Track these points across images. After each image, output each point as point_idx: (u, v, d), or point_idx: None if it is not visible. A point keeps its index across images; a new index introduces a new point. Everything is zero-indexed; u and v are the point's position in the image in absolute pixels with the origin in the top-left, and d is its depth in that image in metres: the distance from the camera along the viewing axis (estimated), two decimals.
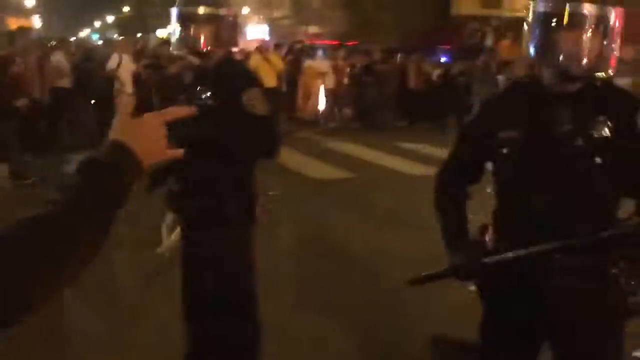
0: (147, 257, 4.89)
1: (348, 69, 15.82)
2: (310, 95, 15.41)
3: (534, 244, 2.04)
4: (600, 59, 1.96)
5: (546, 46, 2.00)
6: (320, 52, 16.66)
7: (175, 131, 3.35)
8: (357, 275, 5.50)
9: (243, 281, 3.17)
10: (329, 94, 15.60)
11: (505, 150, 2.13)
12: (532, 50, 2.05)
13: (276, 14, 32.40)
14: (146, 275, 5.15)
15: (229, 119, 2.90)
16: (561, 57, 1.97)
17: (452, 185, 2.40)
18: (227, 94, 2.95)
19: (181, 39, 3.03)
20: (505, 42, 15.01)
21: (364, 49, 17.48)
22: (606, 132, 2.01)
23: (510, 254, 2.10)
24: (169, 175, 3.16)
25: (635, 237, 2.02)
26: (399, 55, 16.90)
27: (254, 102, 2.93)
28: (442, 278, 2.29)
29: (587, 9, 1.93)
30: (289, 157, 9.66)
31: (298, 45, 17.44)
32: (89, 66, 12.42)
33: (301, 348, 4.06)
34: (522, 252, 2.07)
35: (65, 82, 11.27)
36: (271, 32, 30.50)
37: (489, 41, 18.68)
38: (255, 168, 3.14)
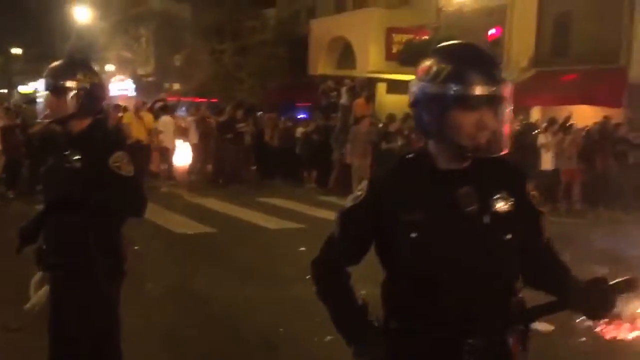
0: (13, 313, 4.71)
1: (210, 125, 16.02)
2: (172, 151, 15.46)
3: (442, 325, 1.98)
4: (499, 137, 1.97)
5: (444, 125, 1.94)
6: (183, 108, 16.81)
7: (45, 191, 3.36)
8: (219, 326, 5.55)
9: (110, 336, 3.24)
10: (192, 149, 15.73)
11: (414, 235, 1.99)
12: (425, 128, 2.01)
13: (140, 71, 32.29)
14: (10, 331, 5.03)
15: (96, 180, 3.04)
16: (461, 137, 1.93)
17: (337, 271, 2.23)
18: (94, 156, 3.09)
19: (47, 108, 3.22)
20: (360, 101, 15.74)
21: (224, 105, 17.74)
22: (508, 206, 2.01)
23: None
24: (38, 234, 3.21)
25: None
26: (258, 113, 17.33)
27: (120, 164, 3.08)
28: None
29: (489, 89, 1.90)
30: (153, 211, 9.54)
31: (160, 103, 17.45)
32: None
33: None
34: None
35: None
36: (136, 89, 30.31)
37: (343, 100, 19.48)
38: (122, 226, 3.24)
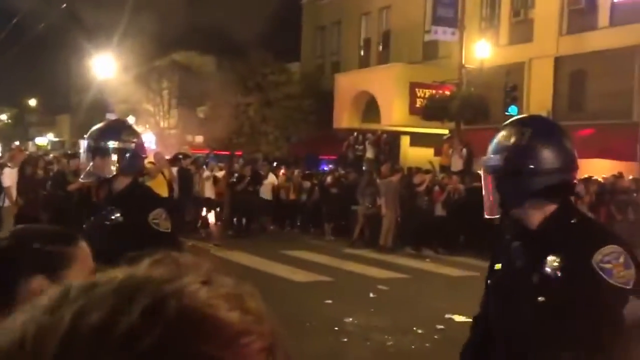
0: None
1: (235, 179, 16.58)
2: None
3: None
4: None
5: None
6: (211, 162, 17.31)
7: (91, 246, 3.57)
8: None
9: None
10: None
11: (489, 281, 2.25)
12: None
13: (162, 124, 32.78)
14: None
15: (136, 235, 3.20)
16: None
17: (480, 319, 2.35)
18: (135, 213, 3.31)
19: (91, 169, 3.42)
20: (385, 167, 16.07)
21: (251, 158, 18.26)
22: (558, 270, 1.99)
23: None
24: None
25: None
26: (283, 167, 17.86)
27: (159, 221, 3.30)
28: None
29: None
30: None
31: (188, 157, 17.93)
32: None
33: None
34: None
35: None
36: (157, 141, 30.70)
37: (369, 153, 19.96)
38: None
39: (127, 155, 3.39)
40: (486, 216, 2.23)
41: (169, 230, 3.34)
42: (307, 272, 11.06)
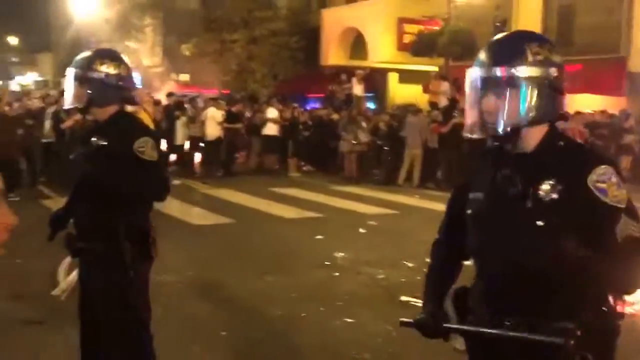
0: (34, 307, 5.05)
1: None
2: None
3: (484, 303, 2.12)
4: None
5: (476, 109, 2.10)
6: (198, 101, 17.10)
7: (73, 176, 3.51)
8: (242, 313, 5.89)
9: (141, 320, 3.41)
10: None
11: (469, 211, 2.18)
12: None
13: (146, 61, 32.29)
14: (31, 324, 5.26)
15: (120, 160, 3.25)
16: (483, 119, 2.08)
17: (441, 244, 2.40)
18: (119, 140, 3.30)
19: (75, 97, 3.43)
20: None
21: (236, 97, 18.10)
22: (555, 194, 1.99)
23: (465, 327, 2.17)
24: (67, 220, 3.46)
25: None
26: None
27: (145, 149, 3.29)
28: (414, 327, 2.26)
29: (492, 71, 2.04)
30: (169, 204, 9.91)
31: (172, 98, 17.76)
32: None
33: None
34: (472, 328, 2.13)
35: None
36: (142, 80, 30.32)
37: (356, 90, 19.80)
38: (148, 210, 3.45)
39: (104, 84, 3.37)
40: (469, 135, 2.15)
41: (154, 160, 3.32)
42: (296, 209, 11.15)
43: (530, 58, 2.03)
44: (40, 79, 47.76)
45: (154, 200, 3.43)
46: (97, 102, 3.39)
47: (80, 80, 3.38)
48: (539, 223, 1.97)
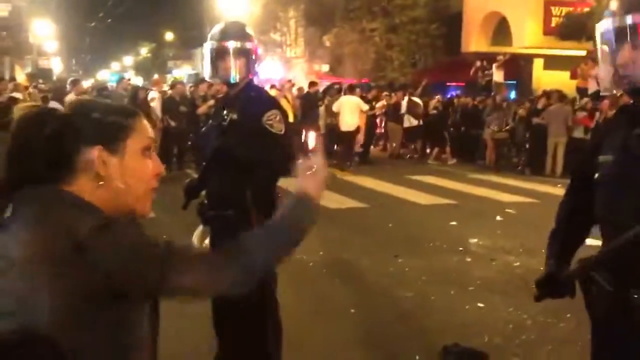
0: None
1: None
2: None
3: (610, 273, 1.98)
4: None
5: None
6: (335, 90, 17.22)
7: (206, 147, 3.63)
8: (372, 295, 5.89)
9: (268, 286, 3.43)
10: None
11: (597, 175, 2.05)
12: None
13: (289, 53, 33.13)
14: None
15: (249, 133, 3.35)
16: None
17: (565, 204, 2.33)
18: (249, 113, 3.40)
19: (214, 69, 3.57)
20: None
21: (376, 86, 18.10)
22: None
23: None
24: (200, 190, 3.59)
25: None
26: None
27: (272, 122, 3.37)
28: (540, 288, 2.28)
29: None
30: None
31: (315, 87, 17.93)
32: None
33: (315, 356, 4.46)
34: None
35: None
36: (284, 71, 31.16)
37: (496, 77, 19.19)
38: (275, 180, 3.49)
39: (247, 55, 3.47)
40: (605, 92, 2.05)
41: (282, 132, 3.38)
42: (431, 196, 10.99)
43: None
44: (193, 72, 50.48)
45: (279, 171, 3.45)
46: (242, 73, 3.47)
47: (239, 52, 3.47)
48: None
